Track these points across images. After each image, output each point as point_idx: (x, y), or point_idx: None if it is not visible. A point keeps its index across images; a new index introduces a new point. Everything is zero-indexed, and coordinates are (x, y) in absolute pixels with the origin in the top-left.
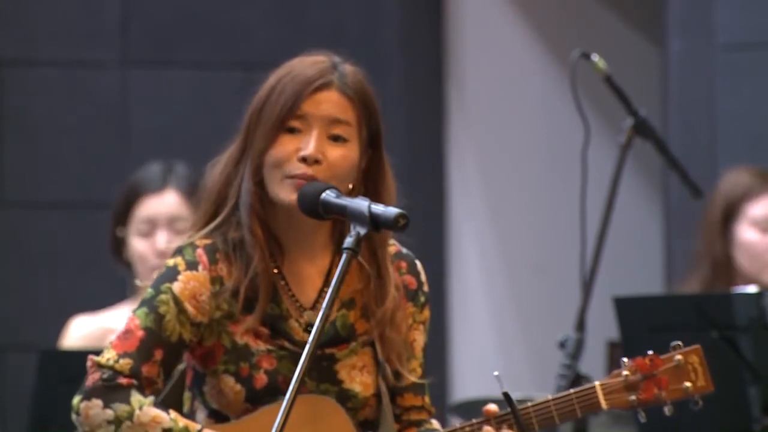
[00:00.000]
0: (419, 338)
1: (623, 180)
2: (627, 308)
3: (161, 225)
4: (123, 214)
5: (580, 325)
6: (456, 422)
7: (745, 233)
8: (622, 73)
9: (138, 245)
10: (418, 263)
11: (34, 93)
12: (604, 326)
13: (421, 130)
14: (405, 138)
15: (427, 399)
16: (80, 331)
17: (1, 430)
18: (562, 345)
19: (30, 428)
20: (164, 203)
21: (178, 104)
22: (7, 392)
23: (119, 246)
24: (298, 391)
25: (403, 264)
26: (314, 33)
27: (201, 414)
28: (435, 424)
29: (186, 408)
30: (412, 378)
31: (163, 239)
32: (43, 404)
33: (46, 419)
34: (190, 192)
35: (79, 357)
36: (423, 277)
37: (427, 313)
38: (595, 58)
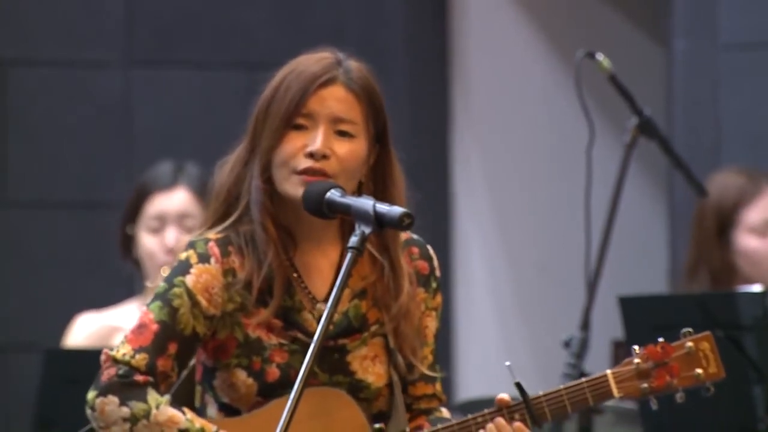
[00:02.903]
0: (431, 325)
1: (628, 179)
2: (631, 308)
3: (171, 222)
4: (133, 211)
5: (585, 325)
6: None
7: (745, 240)
8: (626, 72)
9: (147, 242)
10: (430, 248)
11: (36, 93)
12: (608, 326)
13: (425, 130)
14: (409, 138)
15: (438, 387)
16: (85, 329)
17: (4, 429)
18: (567, 344)
19: (33, 428)
20: (174, 200)
21: (181, 104)
22: (11, 392)
23: (128, 243)
24: (306, 383)
25: (415, 249)
26: (316, 33)
27: (212, 408)
28: (444, 412)
29: (197, 402)
30: (424, 368)
31: (172, 236)
32: (47, 404)
33: (50, 419)
34: (201, 190)
35: (83, 357)
36: (435, 262)
37: (439, 299)
38: (600, 57)
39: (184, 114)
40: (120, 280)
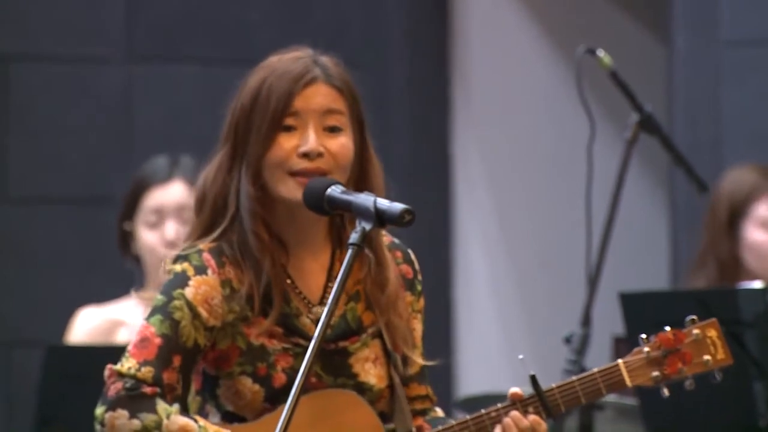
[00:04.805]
0: (418, 327)
1: (629, 175)
2: (633, 304)
3: (169, 215)
4: (130, 207)
5: (586, 321)
6: (462, 417)
7: (753, 233)
8: (627, 68)
9: (147, 237)
10: (411, 252)
11: (38, 89)
12: (609, 322)
13: (426, 126)
14: (410, 134)
15: (429, 388)
16: (88, 323)
17: (7, 425)
18: (568, 340)
19: (36, 424)
20: (171, 193)
21: (183, 100)
22: (13, 388)
23: (127, 240)
24: (307, 385)
25: (399, 254)
26: (318, 29)
27: (214, 417)
28: (439, 411)
29: (192, 412)
30: (420, 360)
31: (171, 229)
32: (48, 400)
33: (52, 415)
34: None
35: (85, 353)
36: (417, 266)
37: (422, 301)
38: (601, 53)
39: (186, 110)
40: (122, 276)
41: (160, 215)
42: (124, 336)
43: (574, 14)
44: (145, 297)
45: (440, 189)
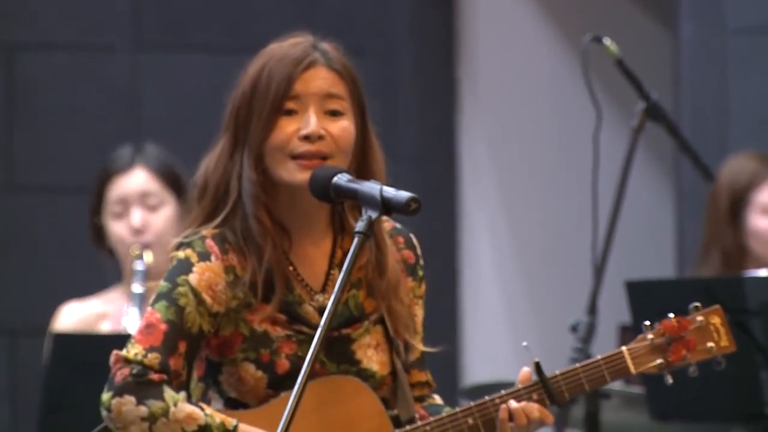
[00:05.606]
0: (419, 313)
1: (635, 164)
2: (639, 292)
3: (133, 202)
4: (97, 200)
5: (592, 309)
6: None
7: (757, 220)
8: (633, 57)
9: (114, 227)
10: (413, 237)
11: (44, 77)
12: (615, 310)
13: (432, 115)
14: (416, 123)
15: (429, 374)
16: (71, 318)
17: (12, 414)
18: (574, 329)
19: (41, 412)
20: (133, 181)
21: (190, 89)
22: (18, 377)
23: (99, 235)
24: (313, 373)
25: (401, 239)
26: (326, 17)
27: (217, 404)
28: (437, 398)
29: (195, 398)
30: (420, 347)
31: (137, 216)
32: (55, 388)
33: (58, 403)
34: (160, 169)
35: (91, 341)
36: (419, 250)
37: (424, 287)
38: (607, 41)
39: (192, 99)
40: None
41: (125, 204)
42: (107, 327)
43: (580, 2)
44: (127, 289)
45: (446, 177)
